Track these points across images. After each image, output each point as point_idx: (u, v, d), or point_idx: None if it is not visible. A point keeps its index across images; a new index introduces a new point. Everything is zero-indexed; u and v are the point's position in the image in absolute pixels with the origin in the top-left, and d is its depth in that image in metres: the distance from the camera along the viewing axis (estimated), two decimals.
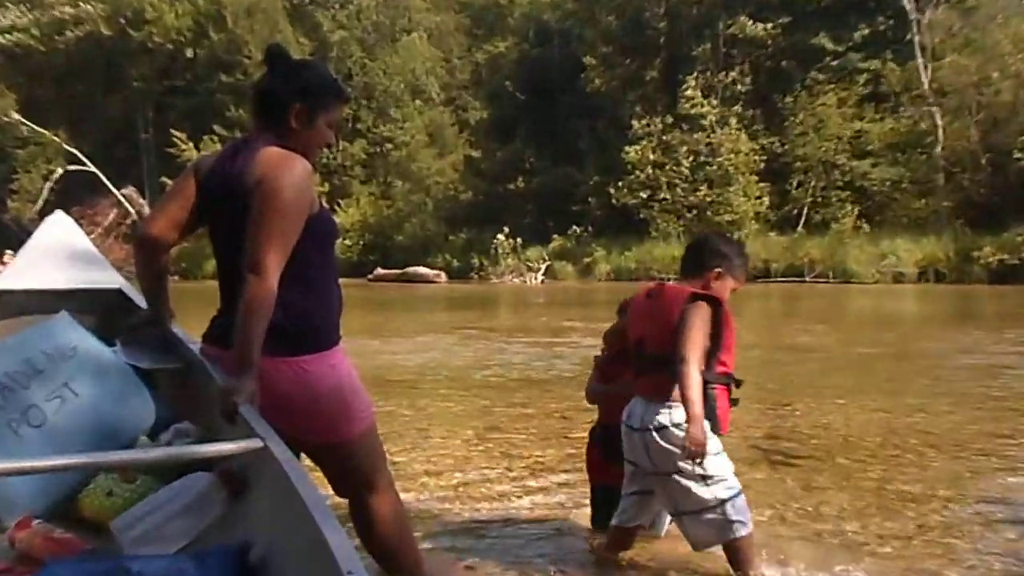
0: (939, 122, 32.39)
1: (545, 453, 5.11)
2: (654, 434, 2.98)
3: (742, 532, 3.01)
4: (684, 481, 2.98)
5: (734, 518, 2.99)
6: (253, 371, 2.36)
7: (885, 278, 28.24)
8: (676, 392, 2.96)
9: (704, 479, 2.96)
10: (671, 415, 2.99)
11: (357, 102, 45.07)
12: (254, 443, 2.13)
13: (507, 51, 44.08)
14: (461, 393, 7.48)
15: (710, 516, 2.99)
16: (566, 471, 4.65)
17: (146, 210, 42.73)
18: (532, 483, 4.54)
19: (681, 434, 2.92)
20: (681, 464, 2.93)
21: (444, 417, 6.40)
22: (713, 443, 2.96)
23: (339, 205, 40.88)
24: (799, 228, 32.66)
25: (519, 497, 4.28)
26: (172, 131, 42.64)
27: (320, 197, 2.58)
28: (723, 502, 2.98)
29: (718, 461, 2.99)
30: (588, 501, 3.85)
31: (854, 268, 28.75)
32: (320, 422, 2.52)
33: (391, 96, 45.49)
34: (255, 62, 41.94)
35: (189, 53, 47.14)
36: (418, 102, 45.57)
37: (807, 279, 28.86)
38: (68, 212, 3.95)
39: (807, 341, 11.56)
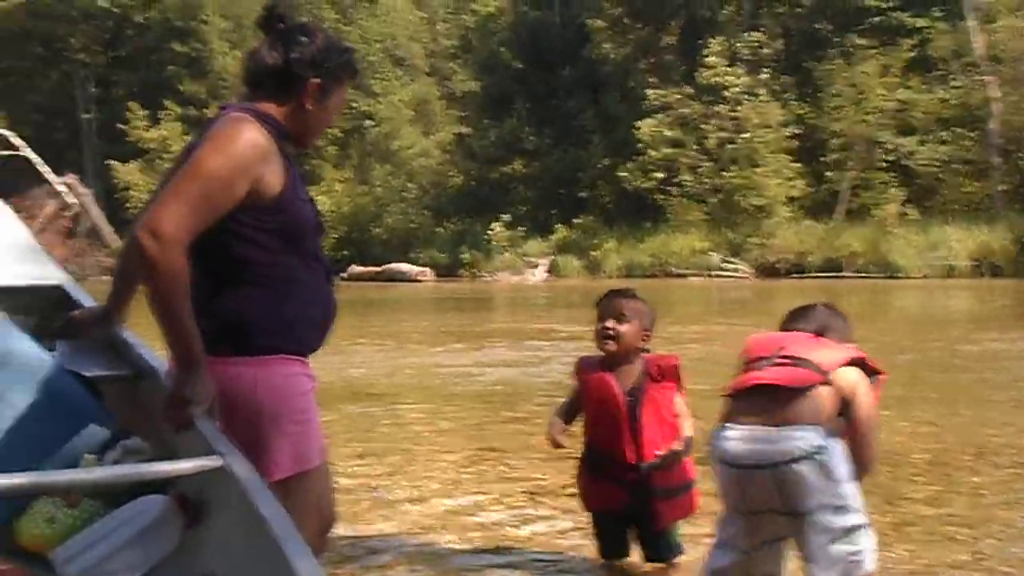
0: (994, 94, 32.34)
1: (546, 475, 5.11)
2: (793, 466, 2.91)
3: (870, 567, 2.99)
4: (821, 515, 2.93)
5: (863, 547, 2.98)
6: (199, 370, 2.33)
7: (935, 272, 28.21)
8: (803, 414, 2.95)
9: (841, 508, 2.94)
10: (810, 438, 2.93)
11: None
12: (212, 461, 2.14)
13: (500, 13, 43.96)
14: (449, 408, 7.48)
15: (839, 547, 2.94)
16: (570, 495, 4.63)
17: (89, 200, 42.72)
18: (531, 510, 4.54)
19: (827, 458, 2.90)
20: (820, 497, 2.91)
21: (430, 435, 6.41)
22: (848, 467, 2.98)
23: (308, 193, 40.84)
24: (837, 215, 32.59)
25: (516, 526, 4.28)
26: (129, 104, 42.41)
27: (293, 185, 2.51)
28: (856, 528, 2.97)
29: (853, 487, 2.99)
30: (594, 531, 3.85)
31: (899, 261, 28.71)
32: (236, 440, 2.35)
33: (369, 66, 45.43)
34: (214, 28, 41.91)
35: (138, 19, 47.09)
36: (399, 71, 45.52)
37: (847, 274, 28.81)
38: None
39: None
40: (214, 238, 2.39)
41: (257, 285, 2.46)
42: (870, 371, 3.10)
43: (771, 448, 2.90)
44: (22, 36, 48.76)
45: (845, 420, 2.99)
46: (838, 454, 2.91)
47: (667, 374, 3.61)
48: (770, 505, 2.96)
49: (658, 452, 3.50)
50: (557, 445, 3.74)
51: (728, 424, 3.05)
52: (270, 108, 2.52)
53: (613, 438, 3.55)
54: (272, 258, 2.47)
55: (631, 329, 3.57)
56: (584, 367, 3.73)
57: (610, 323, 3.57)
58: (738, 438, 2.97)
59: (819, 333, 3.21)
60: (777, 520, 3.00)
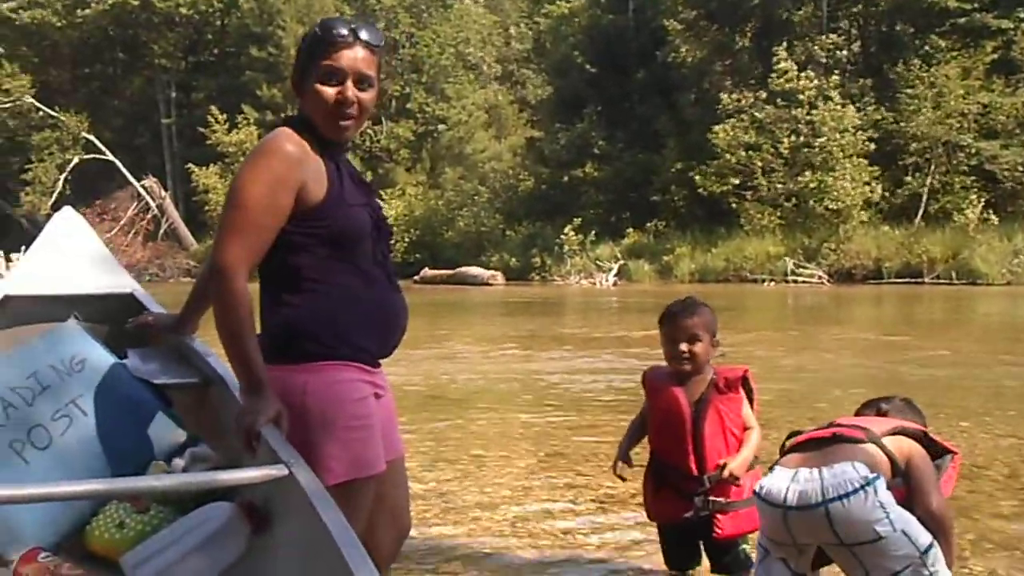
0: None
1: (616, 484, 5.00)
2: (842, 502, 2.90)
3: None
4: (883, 542, 2.91)
5: (933, 568, 2.94)
6: (264, 387, 2.36)
7: (1018, 278, 27.49)
8: (852, 456, 2.96)
9: (905, 532, 2.92)
10: (859, 470, 2.93)
11: (404, 77, 45.46)
12: (278, 470, 2.15)
13: (573, 15, 43.87)
14: (520, 413, 7.45)
15: (909, 570, 2.93)
16: (640, 504, 4.58)
17: (167, 203, 43.73)
18: (601, 519, 4.50)
19: (877, 486, 2.89)
20: (878, 525, 2.89)
21: (500, 441, 6.38)
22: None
23: (381, 197, 41.17)
24: (916, 220, 31.96)
25: (586, 534, 4.25)
26: (210, 108, 43.27)
27: (339, 189, 2.50)
28: (927, 549, 2.94)
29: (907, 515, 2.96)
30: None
31: (981, 267, 28.02)
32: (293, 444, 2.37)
33: (441, 70, 45.74)
34: (291, 33, 42.54)
35: (217, 25, 48.03)
36: (472, 76, 45.72)
37: (926, 280, 28.22)
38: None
39: (925, 354, 11.31)
40: (269, 250, 2.43)
41: (306, 292, 2.47)
42: (939, 449, 3.10)
43: (820, 485, 2.91)
44: (106, 42, 50.12)
45: (903, 483, 2.99)
46: (884, 486, 2.90)
47: (733, 386, 3.57)
48: (822, 539, 2.98)
49: (720, 463, 3.47)
50: (622, 478, 3.75)
51: (777, 466, 3.08)
52: (304, 112, 2.56)
53: (676, 449, 3.53)
54: (321, 264, 2.47)
55: (703, 347, 3.54)
56: (653, 379, 3.69)
57: (684, 347, 3.53)
58: (785, 479, 2.99)
59: (882, 415, 3.27)
60: (828, 551, 3.02)
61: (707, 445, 3.49)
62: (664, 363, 3.71)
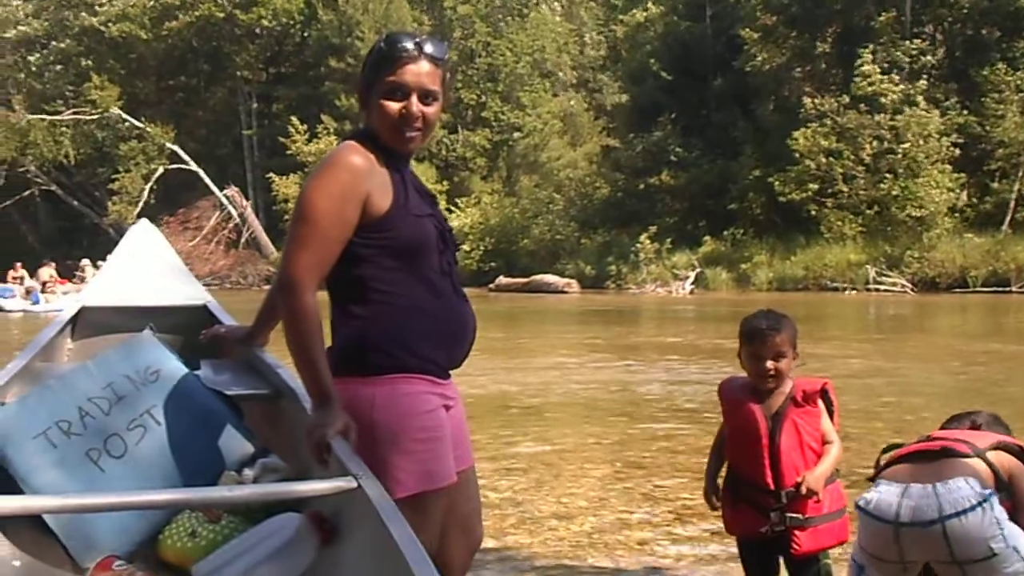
0: None
1: (694, 496, 4.95)
2: (960, 519, 2.85)
3: None
4: (996, 559, 2.88)
5: None
6: (332, 400, 2.37)
7: None
8: (960, 472, 2.92)
9: (1016, 549, 2.88)
10: (973, 486, 2.89)
11: (480, 86, 45.74)
12: (347, 482, 2.15)
13: (650, 22, 43.70)
14: (596, 423, 7.41)
15: None
16: (718, 516, 4.50)
17: (248, 212, 44.58)
18: (679, 530, 4.45)
19: (992, 504, 2.85)
20: (993, 542, 2.85)
21: (576, 451, 6.34)
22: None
23: (457, 205, 41.42)
24: (1003, 227, 31.14)
25: (663, 546, 4.20)
26: (290, 118, 44.03)
27: (404, 200, 2.48)
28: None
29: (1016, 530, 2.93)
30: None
31: None
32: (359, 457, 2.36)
33: (517, 78, 45.90)
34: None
35: (298, 37, 48.88)
36: (547, 84, 45.78)
37: (1014, 289, 27.45)
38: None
39: (1012, 365, 10.98)
40: (336, 263, 2.44)
41: (373, 304, 2.46)
42: None
43: (937, 502, 2.85)
44: (190, 54, 51.35)
45: (1007, 498, 2.93)
46: (998, 502, 2.86)
47: (812, 399, 3.47)
48: (934, 557, 2.92)
49: (799, 479, 3.37)
50: (714, 508, 3.67)
51: (882, 480, 3.03)
52: (369, 123, 2.55)
53: (753, 464, 3.44)
54: (387, 276, 2.46)
55: (788, 363, 3.45)
56: (729, 391, 3.60)
57: (770, 364, 3.43)
58: (895, 494, 2.94)
59: (976, 428, 3.23)
60: (937, 567, 2.96)
61: (784, 460, 3.40)
62: (738, 373, 3.62)
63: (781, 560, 3.55)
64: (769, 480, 3.41)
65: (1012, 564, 2.84)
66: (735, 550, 3.79)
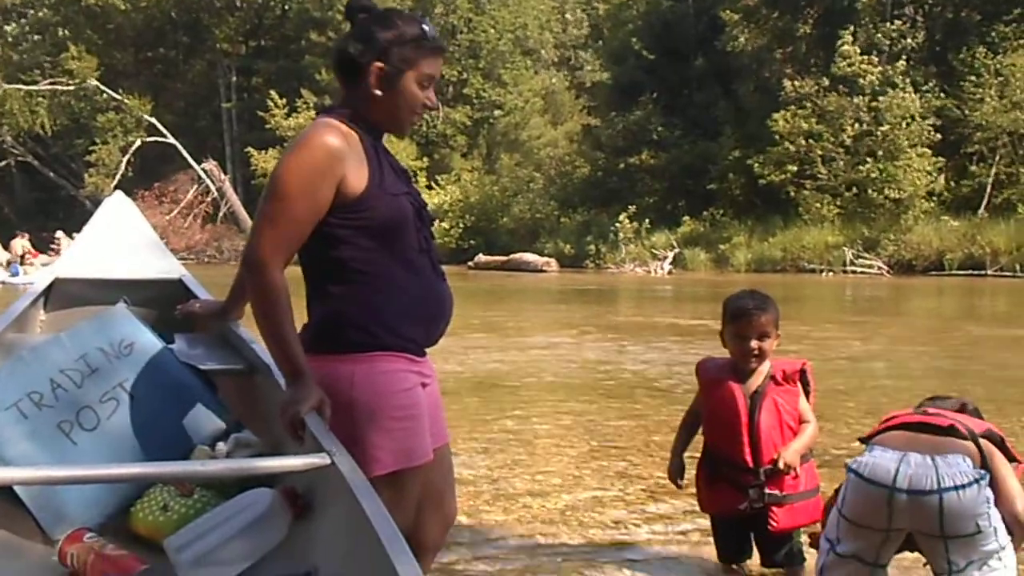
0: None
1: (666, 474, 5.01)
2: (958, 493, 2.88)
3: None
4: (979, 536, 2.92)
5: (1007, 565, 2.96)
6: (305, 376, 2.37)
7: None
8: (956, 449, 2.95)
9: (996, 529, 2.94)
10: (969, 465, 2.93)
11: (462, 63, 45.53)
12: (320, 459, 2.16)
13: (632, 2, 43.59)
14: (572, 402, 7.42)
15: (988, 563, 2.95)
16: (691, 495, 4.52)
17: (227, 187, 44.29)
18: (652, 508, 4.46)
19: (985, 483, 2.90)
20: (980, 519, 2.89)
21: (551, 429, 6.34)
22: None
23: (437, 183, 41.32)
24: (980, 211, 31.34)
25: (636, 524, 4.22)
26: (270, 92, 43.67)
27: (379, 179, 2.46)
28: (1004, 547, 2.95)
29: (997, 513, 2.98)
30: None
31: None
32: (336, 435, 2.34)
33: (499, 56, 45.72)
34: None
35: (278, 10, 48.47)
36: (529, 61, 45.63)
37: (989, 272, 27.68)
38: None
39: (987, 347, 11.08)
40: (310, 242, 2.42)
41: (350, 283, 2.45)
42: (1010, 456, 3.07)
43: (936, 473, 2.88)
44: (169, 26, 50.85)
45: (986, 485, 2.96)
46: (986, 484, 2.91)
47: (791, 379, 3.54)
48: (921, 528, 2.94)
49: (775, 456, 3.43)
50: (679, 487, 3.75)
51: (877, 445, 3.02)
52: (353, 101, 2.50)
53: (732, 442, 3.49)
54: (364, 255, 2.45)
55: (771, 343, 3.50)
56: (708, 370, 3.63)
57: (754, 344, 3.46)
58: (893, 459, 2.94)
59: (958, 411, 3.24)
60: (919, 539, 2.98)
61: (763, 438, 3.45)
62: (715, 354, 3.64)
63: (753, 538, 3.60)
64: (748, 458, 3.45)
65: (990, 543, 2.89)
66: (708, 528, 3.83)
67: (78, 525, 2.56)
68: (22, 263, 24.53)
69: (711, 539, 3.76)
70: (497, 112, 45.37)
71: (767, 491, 3.44)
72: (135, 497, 2.66)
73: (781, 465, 3.38)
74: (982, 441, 2.99)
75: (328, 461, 2.14)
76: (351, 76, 2.50)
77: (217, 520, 2.37)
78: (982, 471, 2.89)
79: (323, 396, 2.35)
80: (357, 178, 2.40)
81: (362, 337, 2.44)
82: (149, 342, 2.96)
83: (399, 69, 2.46)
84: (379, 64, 2.45)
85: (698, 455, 3.67)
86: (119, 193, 3.98)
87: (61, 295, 3.60)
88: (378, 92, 2.47)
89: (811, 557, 3.45)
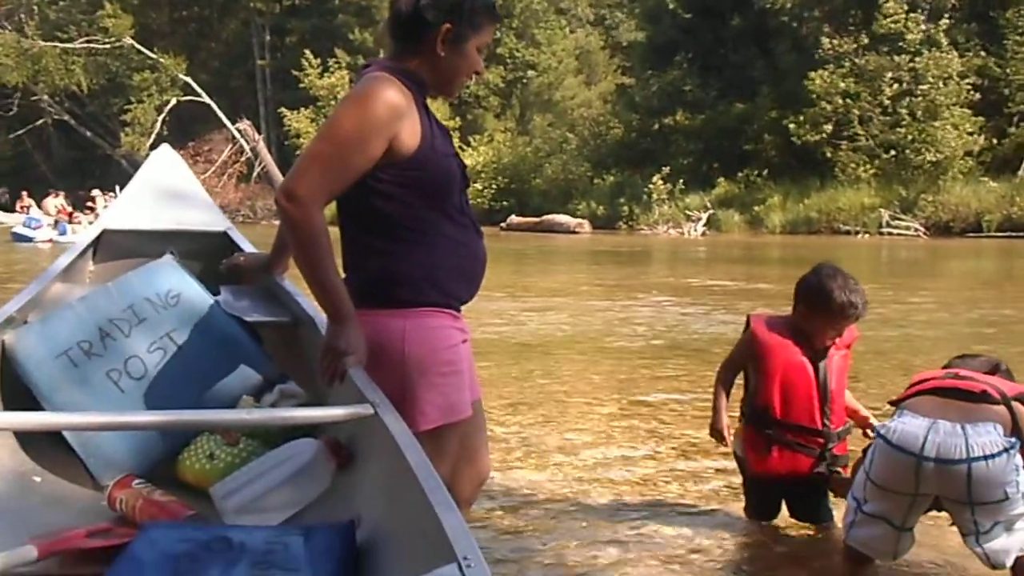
0: None
1: (699, 433, 4.99)
2: (987, 463, 2.88)
3: None
4: (1006, 503, 2.94)
5: None
6: (350, 322, 2.39)
7: None
8: (987, 416, 2.96)
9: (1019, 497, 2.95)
10: (999, 434, 2.93)
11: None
12: (364, 409, 2.18)
13: None
14: (603, 361, 7.47)
15: (1015, 525, 2.97)
16: (723, 454, 4.57)
17: (261, 146, 44.35)
18: (682, 466, 4.50)
19: (1015, 451, 2.91)
20: (1008, 487, 2.91)
21: (583, 388, 6.39)
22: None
23: (469, 143, 41.17)
24: (1020, 172, 30.78)
25: (667, 482, 4.25)
26: (304, 51, 43.53)
27: (431, 140, 2.47)
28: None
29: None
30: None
31: None
32: (384, 389, 2.36)
33: (533, 15, 45.29)
34: None
35: None
36: (563, 21, 45.15)
37: None
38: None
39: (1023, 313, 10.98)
40: (358, 195, 2.43)
41: (401, 240, 2.47)
42: None
43: (965, 443, 2.87)
44: None
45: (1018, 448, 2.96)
46: (1017, 450, 2.91)
47: (848, 345, 3.62)
48: (948, 495, 2.95)
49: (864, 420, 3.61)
50: (724, 443, 3.73)
51: (907, 411, 3.02)
52: (409, 59, 2.50)
53: (803, 406, 3.52)
54: (414, 213, 2.47)
55: None
56: (770, 329, 3.62)
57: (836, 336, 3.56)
58: (922, 427, 2.94)
59: (990, 372, 3.24)
60: (946, 503, 3.00)
61: (835, 401, 3.51)
62: (767, 311, 3.68)
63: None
64: (819, 421, 3.49)
65: (1016, 508, 2.91)
66: (738, 486, 3.86)
67: (126, 471, 2.63)
68: (70, 221, 24.73)
69: (740, 497, 3.80)
70: (531, 72, 45.00)
71: (837, 454, 3.52)
72: (182, 445, 2.73)
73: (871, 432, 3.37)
74: (1015, 404, 2.99)
75: (371, 411, 2.17)
76: (413, 34, 2.49)
77: (262, 469, 2.44)
78: (1012, 439, 2.88)
79: (364, 341, 2.39)
80: (411, 136, 2.42)
81: (412, 294, 2.47)
82: (196, 294, 3.02)
83: (466, 33, 2.49)
84: (448, 26, 2.46)
85: (747, 422, 3.67)
86: (165, 146, 4.01)
87: (109, 246, 3.66)
88: (442, 54, 2.48)
89: (837, 512, 3.51)
